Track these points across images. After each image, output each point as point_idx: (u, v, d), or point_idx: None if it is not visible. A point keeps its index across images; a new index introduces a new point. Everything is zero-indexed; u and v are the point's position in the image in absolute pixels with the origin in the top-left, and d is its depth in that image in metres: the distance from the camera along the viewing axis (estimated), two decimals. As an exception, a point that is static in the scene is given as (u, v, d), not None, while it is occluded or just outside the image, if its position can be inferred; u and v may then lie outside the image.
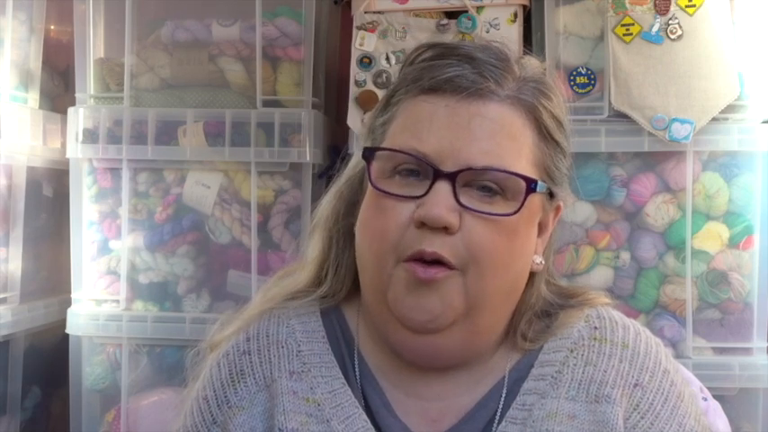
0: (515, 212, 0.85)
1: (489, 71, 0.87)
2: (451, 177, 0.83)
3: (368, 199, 0.89)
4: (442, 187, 0.83)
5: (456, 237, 0.84)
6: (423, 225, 0.83)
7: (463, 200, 0.84)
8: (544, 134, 0.90)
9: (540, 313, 0.95)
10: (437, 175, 0.84)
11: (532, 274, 0.93)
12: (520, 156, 0.87)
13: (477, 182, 0.85)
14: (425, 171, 0.85)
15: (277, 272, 1.06)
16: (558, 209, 0.95)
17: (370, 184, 0.88)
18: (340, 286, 0.97)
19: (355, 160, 0.99)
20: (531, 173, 0.87)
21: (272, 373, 0.92)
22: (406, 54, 0.96)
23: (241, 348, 0.95)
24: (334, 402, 0.90)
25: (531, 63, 0.94)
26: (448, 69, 0.87)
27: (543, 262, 0.93)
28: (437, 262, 0.83)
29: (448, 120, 0.85)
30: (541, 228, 0.93)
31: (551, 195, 0.92)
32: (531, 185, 0.86)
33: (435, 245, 0.83)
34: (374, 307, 0.90)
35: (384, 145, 0.89)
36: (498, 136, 0.86)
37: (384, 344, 0.92)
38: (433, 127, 0.85)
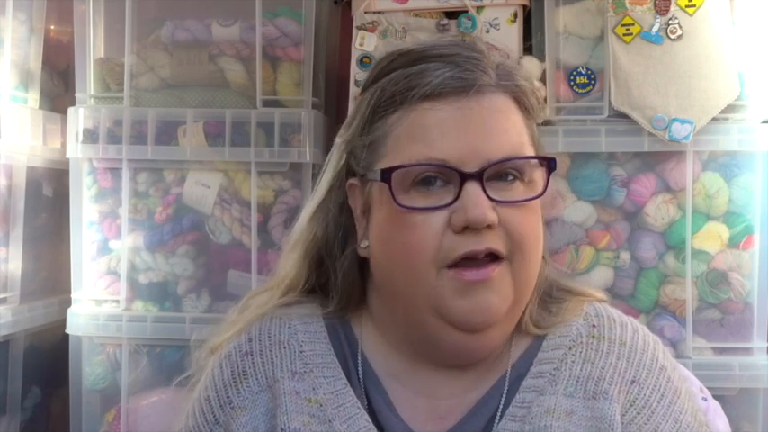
0: (543, 192, 0.87)
1: (477, 65, 0.88)
2: (478, 177, 0.84)
3: (387, 219, 0.88)
4: (473, 188, 0.84)
5: (497, 230, 0.85)
6: (464, 229, 0.83)
7: (492, 195, 0.85)
8: (529, 112, 0.91)
9: (543, 295, 0.96)
10: (464, 177, 0.84)
11: None
12: (522, 138, 0.89)
13: (496, 173, 0.86)
14: (448, 176, 0.85)
15: (251, 293, 1.05)
16: None
17: (386, 204, 0.87)
18: (345, 306, 0.97)
19: (327, 182, 0.97)
20: (532, 151, 0.89)
21: (274, 374, 0.92)
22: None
23: (243, 349, 0.95)
24: (337, 403, 0.90)
25: (493, 49, 0.95)
26: (439, 72, 0.86)
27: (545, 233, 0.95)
28: (486, 258, 0.84)
29: (458, 122, 0.85)
30: None
31: None
32: (550, 164, 0.88)
33: (485, 242, 0.84)
34: (415, 319, 0.88)
35: (387, 160, 0.88)
36: (505, 125, 0.87)
37: (402, 348, 0.92)
38: (445, 131, 0.85)
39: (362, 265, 0.95)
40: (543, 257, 0.93)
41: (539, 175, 0.88)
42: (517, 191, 0.86)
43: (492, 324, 0.86)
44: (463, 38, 0.94)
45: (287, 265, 1.00)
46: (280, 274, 1.01)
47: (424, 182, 0.86)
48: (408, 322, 0.90)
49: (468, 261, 0.84)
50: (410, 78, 0.88)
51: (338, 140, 0.97)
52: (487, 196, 0.84)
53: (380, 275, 0.91)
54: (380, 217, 0.89)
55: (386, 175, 0.87)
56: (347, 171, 0.96)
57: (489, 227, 0.84)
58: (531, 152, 0.89)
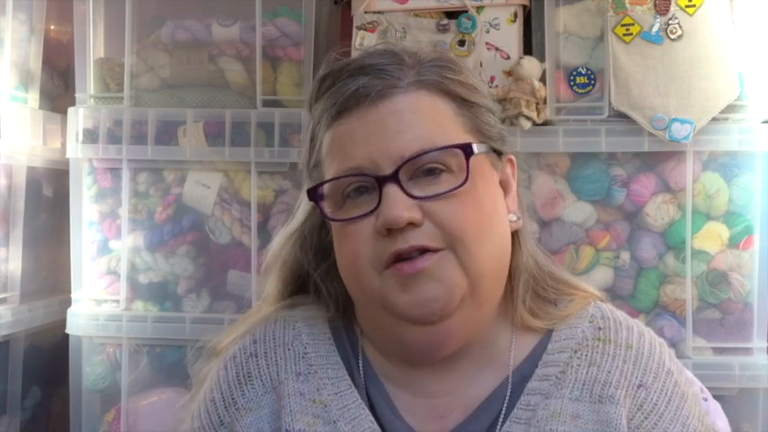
0: (465, 180, 0.86)
1: (383, 71, 0.89)
2: (394, 177, 0.85)
3: (334, 233, 0.92)
4: (391, 190, 0.85)
5: (425, 226, 0.85)
6: (389, 231, 0.84)
7: (415, 192, 0.85)
8: (461, 101, 0.91)
9: (540, 283, 0.95)
10: (380, 181, 0.85)
11: (516, 235, 0.94)
12: (446, 129, 0.88)
13: (419, 169, 0.86)
14: (371, 184, 0.86)
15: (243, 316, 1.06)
16: (511, 163, 0.96)
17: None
18: (343, 313, 0.98)
19: (303, 209, 1.00)
20: (467, 140, 0.88)
21: (278, 375, 0.93)
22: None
23: (248, 351, 0.96)
24: (341, 403, 0.90)
25: (426, 48, 0.95)
26: (346, 88, 0.89)
27: (519, 218, 0.94)
28: (419, 252, 0.84)
29: (365, 129, 0.87)
30: (505, 186, 0.94)
31: (498, 153, 0.93)
32: (467, 150, 0.87)
33: (410, 240, 0.84)
34: (377, 323, 0.90)
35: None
36: (417, 121, 0.87)
37: (388, 351, 0.93)
38: (355, 141, 0.87)
39: None
40: (519, 243, 0.94)
41: (480, 163, 0.88)
42: (445, 183, 0.86)
43: (445, 314, 0.85)
44: (378, 45, 0.95)
45: (267, 285, 1.03)
46: (263, 295, 1.04)
47: (355, 192, 0.88)
48: (374, 325, 0.92)
49: (403, 259, 0.85)
50: (327, 100, 0.91)
51: (300, 166, 1.00)
52: (408, 194, 0.84)
53: (345, 285, 0.93)
54: (332, 232, 0.92)
55: (311, 194, 0.90)
56: None
57: (414, 225, 0.84)
58: (464, 140, 0.88)
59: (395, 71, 0.89)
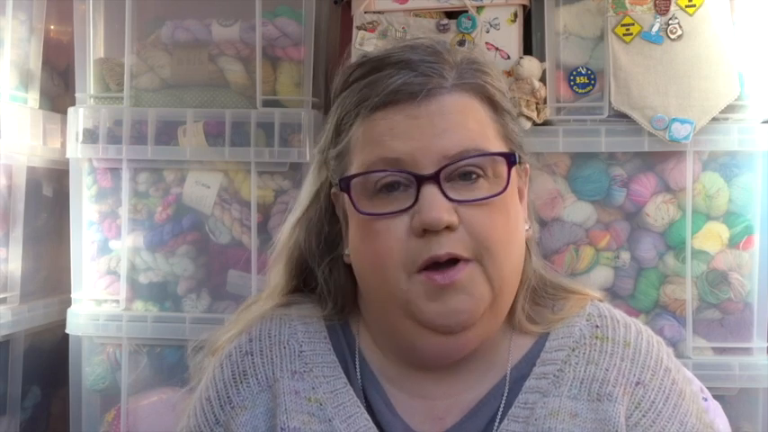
0: (505, 189, 0.86)
1: (429, 69, 0.88)
2: (435, 178, 0.84)
3: (356, 226, 0.89)
4: (430, 190, 0.84)
5: (459, 231, 0.84)
6: (425, 232, 0.83)
7: (452, 195, 0.84)
8: (496, 107, 0.91)
9: (539, 292, 0.95)
10: (420, 180, 0.84)
11: (527, 244, 0.94)
12: (487, 135, 0.88)
13: (456, 172, 0.85)
14: (407, 180, 0.85)
15: (245, 304, 1.06)
16: (526, 171, 0.96)
17: (355, 212, 0.88)
18: (340, 311, 0.97)
19: (308, 193, 0.99)
20: (501, 147, 0.89)
21: (274, 373, 0.93)
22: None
23: (244, 349, 0.96)
24: (336, 402, 0.90)
25: (458, 48, 0.95)
26: (390, 81, 0.87)
27: (530, 227, 0.94)
28: (452, 261, 0.84)
29: (410, 126, 0.86)
30: (520, 194, 0.94)
31: (519, 161, 0.93)
32: (510, 159, 0.87)
33: (445, 246, 0.83)
34: (392, 324, 0.89)
35: (351, 170, 0.89)
36: (463, 123, 0.87)
37: (393, 353, 0.92)
38: (396, 134, 0.86)
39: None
40: (529, 252, 0.94)
41: (506, 171, 0.88)
42: (481, 189, 0.86)
43: (468, 325, 0.86)
44: (418, 40, 0.93)
45: (274, 275, 1.02)
46: (270, 284, 1.03)
47: (387, 188, 0.86)
48: (388, 326, 0.91)
49: (435, 267, 0.84)
50: (364, 90, 0.89)
51: (315, 151, 0.98)
52: (446, 197, 0.84)
53: (359, 281, 0.92)
54: (352, 225, 0.91)
55: (344, 184, 0.88)
56: (330, 181, 0.96)
57: (450, 228, 0.84)
58: (499, 148, 0.88)
59: (440, 69, 0.88)
